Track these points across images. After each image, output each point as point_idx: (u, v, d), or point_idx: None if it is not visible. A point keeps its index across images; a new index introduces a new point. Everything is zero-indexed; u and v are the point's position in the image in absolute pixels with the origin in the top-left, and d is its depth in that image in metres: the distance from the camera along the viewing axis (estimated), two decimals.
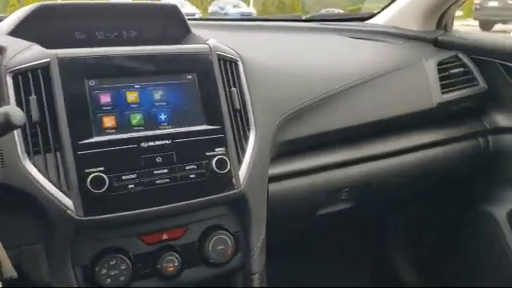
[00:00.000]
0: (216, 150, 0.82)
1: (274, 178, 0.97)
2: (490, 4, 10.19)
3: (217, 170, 0.80)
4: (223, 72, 0.87)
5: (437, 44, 1.31)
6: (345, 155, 1.06)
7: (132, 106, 0.79)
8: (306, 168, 1.01)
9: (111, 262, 0.75)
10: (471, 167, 1.25)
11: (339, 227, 1.40)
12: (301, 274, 1.46)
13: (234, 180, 0.82)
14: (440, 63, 1.20)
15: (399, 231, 1.53)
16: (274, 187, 0.97)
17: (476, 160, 1.23)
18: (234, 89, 0.87)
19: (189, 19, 0.97)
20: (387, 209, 1.42)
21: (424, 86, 1.16)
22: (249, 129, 0.87)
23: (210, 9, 13.19)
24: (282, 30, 1.38)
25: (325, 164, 1.04)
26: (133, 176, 0.75)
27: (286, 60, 1.09)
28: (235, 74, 0.89)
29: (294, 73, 1.05)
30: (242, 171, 0.83)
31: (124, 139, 0.76)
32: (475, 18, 10.63)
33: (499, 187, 1.23)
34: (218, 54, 0.87)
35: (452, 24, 1.36)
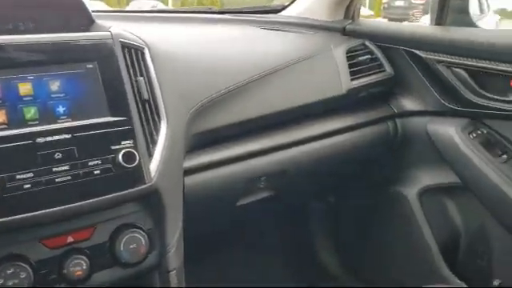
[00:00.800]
0: (122, 142, 0.77)
1: (190, 171, 0.94)
2: (397, 3, 10.86)
3: (124, 165, 0.75)
4: (128, 60, 0.82)
5: (345, 33, 1.35)
6: (261, 144, 1.06)
7: (25, 98, 0.72)
8: (222, 159, 0.99)
9: (8, 271, 0.68)
10: (382, 150, 1.30)
11: (260, 217, 1.40)
12: (223, 266, 1.44)
13: (144, 174, 0.78)
14: (348, 51, 1.23)
15: (320, 218, 1.56)
16: (190, 180, 0.94)
17: (386, 143, 1.28)
18: (140, 78, 0.83)
19: (93, 11, 0.91)
20: (306, 196, 1.45)
21: (334, 74, 1.19)
22: (159, 120, 0.83)
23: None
24: (195, 22, 1.35)
25: (241, 154, 1.02)
26: (29, 175, 0.69)
27: (198, 50, 1.06)
28: (142, 63, 0.84)
29: (207, 63, 1.03)
30: (154, 165, 0.79)
31: (17, 135, 0.69)
32: (384, 17, 11.26)
33: (409, 168, 1.29)
34: (122, 42, 0.82)
35: (359, 13, 1.41)
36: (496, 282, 1.16)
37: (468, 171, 1.15)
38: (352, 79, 1.20)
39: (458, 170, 1.18)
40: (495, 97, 1.12)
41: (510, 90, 1.10)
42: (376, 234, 1.42)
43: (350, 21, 1.39)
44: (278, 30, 1.36)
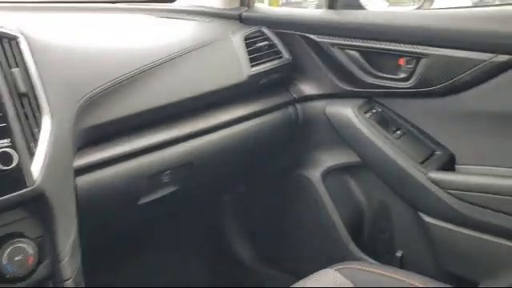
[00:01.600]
0: None
1: (83, 170, 0.86)
2: None
3: (1, 167, 0.66)
4: None
5: (242, 20, 1.34)
6: (161, 136, 1.00)
7: None
8: (119, 154, 0.92)
9: None
10: (286, 135, 1.30)
11: (168, 214, 1.35)
12: (133, 269, 1.36)
13: (25, 176, 0.69)
14: (246, 38, 1.22)
15: (231, 209, 1.54)
16: (84, 180, 0.86)
17: (289, 128, 1.29)
18: (16, 69, 0.74)
19: None
20: (215, 187, 1.41)
21: (233, 61, 1.17)
22: (41, 114, 0.75)
23: None
24: (81, 11, 1.27)
25: (140, 148, 0.96)
26: None
27: (85, 40, 0.99)
28: (16, 53, 0.76)
29: (94, 52, 0.96)
30: (36, 165, 0.71)
31: None
32: None
33: (312, 151, 1.31)
34: None
35: (254, 0, 1.40)
36: (399, 254, 1.22)
37: (366, 149, 1.19)
38: (252, 66, 1.18)
39: (357, 148, 1.22)
40: (386, 76, 1.17)
41: (399, 68, 1.15)
42: (286, 220, 1.43)
43: (246, 8, 1.38)
44: (173, 19, 1.31)
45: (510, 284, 1.02)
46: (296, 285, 0.90)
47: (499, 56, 1.00)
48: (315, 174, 1.30)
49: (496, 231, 1.03)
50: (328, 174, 1.30)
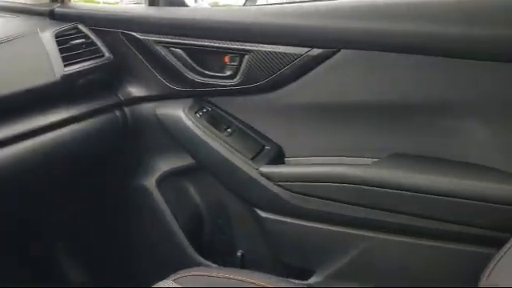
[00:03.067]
0: None
1: None
2: None
3: None
4: None
5: (54, 17, 1.21)
6: None
7: None
8: None
9: None
10: (114, 142, 1.21)
11: None
12: None
13: None
14: (58, 35, 1.10)
15: (62, 230, 1.37)
16: None
17: (117, 134, 1.19)
18: None
19: None
20: (33, 208, 1.24)
21: (43, 59, 1.04)
22: None
23: None
24: None
25: None
26: None
27: None
28: None
29: None
30: None
31: None
32: None
33: (145, 157, 1.23)
34: None
35: None
36: (239, 253, 1.20)
37: (199, 150, 1.15)
38: (65, 65, 1.06)
39: (190, 150, 1.17)
40: (213, 74, 1.15)
41: (225, 66, 1.14)
42: (124, 234, 1.33)
43: (59, 4, 1.26)
44: None
45: (343, 267, 1.07)
46: None
47: (314, 50, 1.04)
48: (150, 181, 1.22)
49: (324, 218, 1.07)
50: (164, 179, 1.23)
